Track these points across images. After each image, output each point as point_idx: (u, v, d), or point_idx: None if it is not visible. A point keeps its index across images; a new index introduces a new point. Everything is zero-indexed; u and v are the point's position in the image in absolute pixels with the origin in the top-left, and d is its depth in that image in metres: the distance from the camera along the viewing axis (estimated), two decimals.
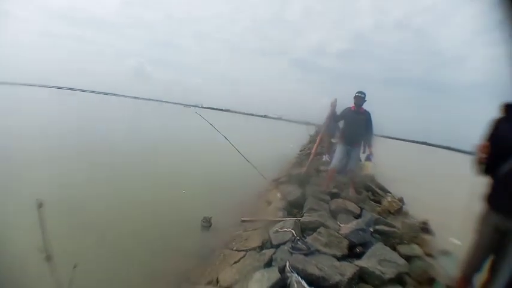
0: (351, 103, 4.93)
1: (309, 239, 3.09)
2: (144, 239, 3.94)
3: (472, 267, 2.03)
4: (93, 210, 4.60)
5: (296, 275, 2.29)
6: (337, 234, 3.23)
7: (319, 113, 5.23)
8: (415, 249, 3.27)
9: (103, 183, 6.12)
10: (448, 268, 2.83)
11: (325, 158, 7.61)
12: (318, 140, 5.65)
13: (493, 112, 1.90)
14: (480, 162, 1.86)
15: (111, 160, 8.32)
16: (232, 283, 2.66)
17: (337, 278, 2.32)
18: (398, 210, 5.01)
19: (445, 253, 3.55)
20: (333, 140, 6.88)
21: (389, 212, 4.89)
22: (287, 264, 2.43)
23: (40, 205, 1.18)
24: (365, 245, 3.13)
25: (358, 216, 4.13)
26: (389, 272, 2.51)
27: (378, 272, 2.49)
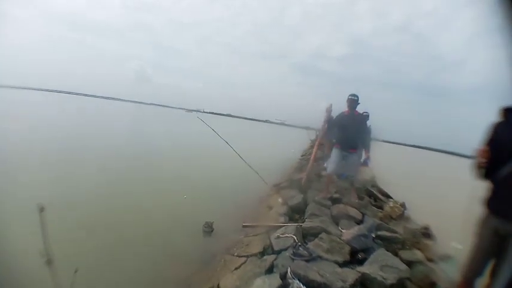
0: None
1: (310, 245, 3.08)
2: (145, 244, 3.93)
3: (472, 271, 2.02)
4: (94, 215, 4.61)
5: (297, 281, 2.28)
6: (338, 240, 3.22)
7: (319, 117, 5.19)
8: (417, 255, 3.26)
9: (104, 187, 6.13)
10: (450, 272, 2.82)
11: (326, 163, 7.59)
12: (315, 146, 5.60)
13: (493, 116, 1.91)
14: (480, 166, 1.86)
15: (111, 165, 8.35)
16: None
17: (338, 284, 2.30)
18: (400, 216, 4.99)
19: (446, 258, 3.53)
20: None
21: (391, 218, 4.87)
22: (288, 270, 2.42)
23: (41, 209, 1.18)
24: (367, 251, 3.12)
25: (360, 222, 4.11)
26: (390, 278, 2.50)
27: (379, 278, 2.47)
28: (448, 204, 7.38)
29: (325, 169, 7.17)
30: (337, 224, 3.97)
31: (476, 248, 2.00)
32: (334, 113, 5.01)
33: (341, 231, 3.63)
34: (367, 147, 5.03)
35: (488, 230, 1.92)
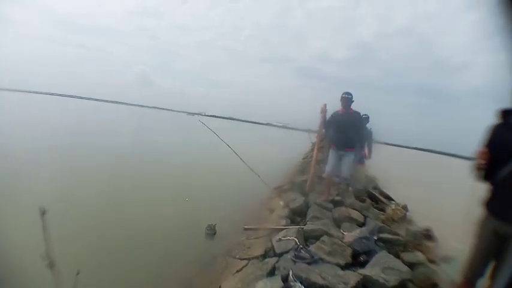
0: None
1: (312, 248, 3.07)
2: (147, 247, 3.93)
3: (472, 272, 2.02)
4: (96, 217, 4.62)
5: (299, 284, 2.27)
6: (340, 242, 3.21)
7: (319, 119, 5.11)
8: (419, 256, 3.25)
9: (106, 190, 6.15)
10: (451, 274, 2.82)
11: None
12: (315, 149, 5.56)
13: (494, 118, 1.92)
14: (479, 168, 1.87)
15: (113, 168, 8.37)
16: None
17: (340, 286, 2.30)
18: (402, 218, 4.98)
19: (448, 259, 3.53)
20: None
21: (393, 220, 4.85)
22: (290, 273, 2.42)
23: (43, 212, 1.19)
24: (369, 253, 3.11)
25: (361, 225, 4.10)
26: (392, 280, 2.49)
27: (381, 280, 2.47)
28: (449, 206, 7.37)
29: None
30: (339, 226, 3.97)
31: (475, 249, 2.00)
32: (330, 113, 4.94)
33: (343, 233, 3.62)
34: (363, 145, 4.97)
35: (487, 231, 1.93)
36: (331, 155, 4.82)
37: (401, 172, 17.57)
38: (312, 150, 8.95)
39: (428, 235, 4.62)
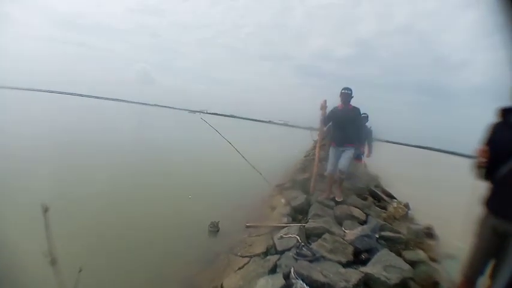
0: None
1: (313, 245, 3.08)
2: (149, 244, 3.95)
3: (472, 270, 2.03)
4: (98, 215, 4.64)
5: (301, 281, 2.28)
6: (342, 240, 3.21)
7: (319, 116, 5.06)
8: (420, 255, 3.26)
9: (107, 188, 6.16)
10: (453, 272, 2.82)
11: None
12: (317, 147, 5.53)
13: (494, 116, 1.93)
14: (479, 166, 1.87)
15: (115, 166, 8.39)
16: None
17: (342, 284, 2.30)
18: (404, 216, 4.97)
19: (449, 257, 3.53)
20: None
21: (395, 218, 4.85)
22: (292, 270, 2.42)
23: (46, 209, 1.19)
24: (370, 251, 3.11)
25: (363, 223, 4.10)
26: (394, 278, 2.49)
27: (382, 278, 2.47)
28: (450, 204, 7.37)
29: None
30: (340, 224, 3.97)
31: (475, 247, 2.01)
32: (329, 110, 4.89)
33: (344, 231, 3.62)
34: (361, 142, 4.92)
35: (487, 230, 1.93)
36: (332, 153, 4.79)
37: (402, 170, 17.57)
38: (314, 148, 8.94)
39: (429, 233, 4.62)
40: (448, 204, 7.82)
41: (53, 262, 1.18)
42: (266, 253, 3.30)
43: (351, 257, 2.96)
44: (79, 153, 9.37)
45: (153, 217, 4.88)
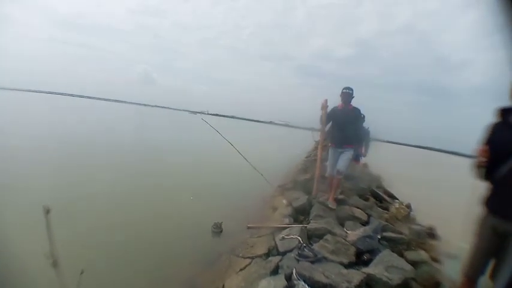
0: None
1: (315, 246, 3.08)
2: (151, 245, 3.94)
3: (472, 270, 2.03)
4: (100, 216, 4.63)
5: (303, 282, 2.27)
6: (344, 241, 3.21)
7: (319, 116, 5.01)
8: (422, 255, 3.27)
9: (109, 188, 6.16)
10: (454, 272, 2.82)
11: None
12: (319, 148, 5.51)
13: (493, 117, 1.94)
14: (479, 165, 1.87)
15: (117, 167, 8.39)
16: None
17: (344, 285, 2.30)
18: (406, 217, 4.96)
19: (451, 257, 3.53)
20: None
21: (397, 219, 4.84)
22: (294, 271, 2.42)
23: (47, 211, 1.19)
24: (372, 252, 3.11)
25: (365, 223, 4.10)
26: (396, 278, 2.49)
27: (384, 279, 2.47)
28: (451, 204, 7.36)
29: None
30: (342, 225, 3.97)
31: (475, 247, 2.01)
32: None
33: (346, 232, 3.62)
34: (360, 143, 4.87)
35: (487, 229, 1.94)
36: (331, 154, 4.77)
37: (402, 170, 17.56)
38: (316, 148, 8.95)
39: (431, 234, 4.62)
40: (449, 204, 7.82)
41: (55, 264, 1.18)
42: (268, 254, 3.30)
43: (353, 258, 2.97)
44: (80, 154, 9.38)
45: (154, 218, 4.87)
